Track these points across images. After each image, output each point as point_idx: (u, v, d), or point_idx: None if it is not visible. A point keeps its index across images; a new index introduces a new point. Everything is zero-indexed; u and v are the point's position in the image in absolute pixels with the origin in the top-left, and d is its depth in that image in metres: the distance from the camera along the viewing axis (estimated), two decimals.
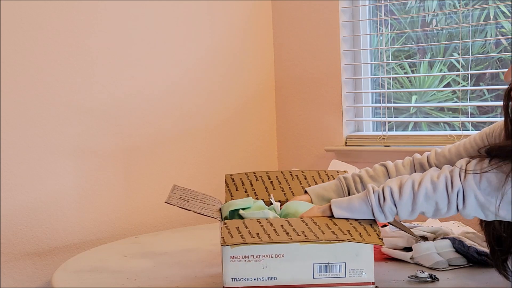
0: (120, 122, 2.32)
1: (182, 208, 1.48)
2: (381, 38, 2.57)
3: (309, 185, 1.71)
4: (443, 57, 2.49)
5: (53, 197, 2.16)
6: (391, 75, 2.55)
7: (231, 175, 1.75)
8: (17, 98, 2.09)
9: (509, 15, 2.29)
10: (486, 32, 2.37)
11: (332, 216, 1.43)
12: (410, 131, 2.55)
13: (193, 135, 2.52)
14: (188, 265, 1.74)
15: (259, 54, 2.72)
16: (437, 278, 1.51)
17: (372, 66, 2.64)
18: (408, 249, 1.69)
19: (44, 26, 2.14)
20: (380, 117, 2.57)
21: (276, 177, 1.74)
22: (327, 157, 2.55)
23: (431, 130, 2.52)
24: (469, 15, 2.33)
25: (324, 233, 1.39)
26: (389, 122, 2.53)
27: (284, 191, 1.71)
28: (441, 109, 2.50)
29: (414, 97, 2.58)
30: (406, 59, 2.58)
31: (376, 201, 1.40)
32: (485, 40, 2.37)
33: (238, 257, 1.40)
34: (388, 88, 2.56)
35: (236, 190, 1.72)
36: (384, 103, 2.53)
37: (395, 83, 2.59)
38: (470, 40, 2.32)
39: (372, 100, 2.63)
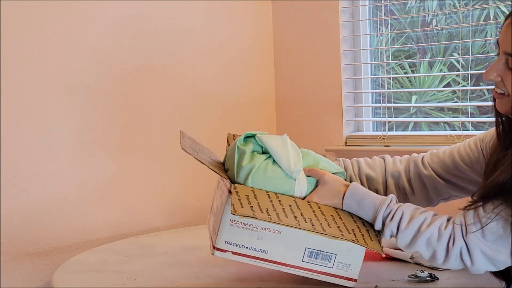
0: (120, 122, 2.32)
1: (195, 158, 1.45)
2: (381, 38, 2.57)
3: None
4: (443, 57, 2.49)
5: (53, 197, 2.16)
6: (391, 75, 2.55)
7: (233, 135, 1.71)
8: (17, 98, 2.09)
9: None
10: (486, 32, 2.37)
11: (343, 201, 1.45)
12: (410, 131, 2.55)
13: (193, 135, 2.51)
14: (188, 265, 1.74)
15: (259, 54, 2.72)
16: (437, 277, 1.51)
17: (372, 66, 2.64)
18: None
19: (44, 26, 2.14)
20: (380, 117, 2.57)
21: None
22: None
23: (431, 130, 2.52)
24: (469, 15, 2.33)
25: (330, 227, 1.39)
26: (389, 122, 2.53)
27: None
28: (441, 109, 2.50)
29: (414, 97, 2.58)
30: (406, 59, 2.58)
31: (383, 215, 1.40)
32: (485, 40, 2.37)
33: (237, 222, 1.39)
34: (388, 88, 2.56)
35: None
36: (384, 103, 2.53)
37: (395, 83, 2.59)
38: (470, 40, 2.32)
39: (372, 100, 2.64)
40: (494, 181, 1.32)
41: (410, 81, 2.60)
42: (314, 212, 1.42)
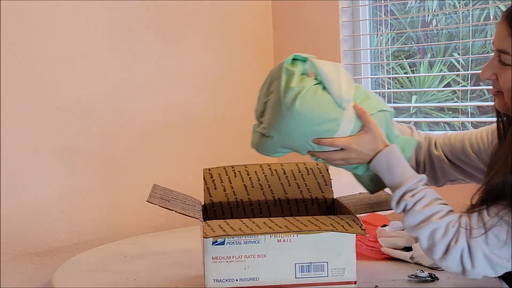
0: (120, 122, 2.32)
1: (163, 207, 1.46)
2: (381, 38, 2.57)
3: (288, 181, 1.71)
4: (443, 57, 2.49)
5: (53, 197, 2.16)
6: (391, 75, 2.55)
7: (209, 169, 1.72)
8: (14, 98, 2.09)
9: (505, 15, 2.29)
10: (486, 32, 2.37)
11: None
12: None
13: (193, 135, 2.52)
14: (188, 265, 1.74)
15: (259, 54, 2.72)
16: (437, 277, 1.51)
17: (372, 66, 2.64)
18: (408, 248, 1.69)
19: (30, 25, 2.14)
20: None
21: (255, 172, 1.72)
22: None
23: (431, 130, 2.52)
24: (469, 15, 2.33)
25: (306, 226, 1.39)
26: None
27: (263, 190, 1.70)
28: (441, 109, 2.50)
29: (414, 97, 2.58)
30: (406, 59, 2.58)
31: (407, 188, 1.35)
32: (485, 40, 2.37)
33: (220, 257, 1.40)
34: (388, 88, 2.56)
35: (215, 188, 1.70)
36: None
37: (395, 83, 2.59)
38: (470, 40, 2.32)
39: None
40: (490, 184, 1.30)
41: (410, 81, 2.60)
42: (289, 221, 1.42)
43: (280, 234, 1.41)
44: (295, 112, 1.34)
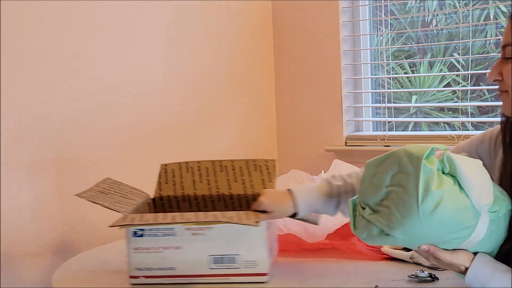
0: (121, 122, 2.32)
1: (91, 201, 1.57)
2: (381, 38, 2.57)
3: (235, 177, 1.76)
4: (443, 57, 2.49)
5: (53, 197, 2.16)
6: (391, 75, 2.55)
7: (166, 165, 1.81)
8: (14, 98, 2.08)
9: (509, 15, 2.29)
10: (486, 32, 2.37)
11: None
12: (410, 131, 2.55)
13: (193, 135, 2.52)
14: None
15: (259, 54, 2.72)
16: (436, 277, 1.51)
17: (372, 66, 2.64)
18: (408, 248, 1.68)
19: (41, 27, 2.14)
20: (380, 117, 2.57)
21: (206, 168, 1.79)
22: (327, 157, 2.55)
23: (431, 130, 2.52)
24: (469, 15, 2.33)
25: (205, 217, 1.48)
26: (389, 122, 2.53)
27: (209, 185, 1.77)
28: (441, 109, 2.50)
29: (414, 97, 2.58)
30: (406, 59, 2.58)
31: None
32: (485, 40, 2.37)
33: (140, 248, 1.52)
34: (388, 88, 2.56)
35: (166, 183, 1.79)
36: (384, 103, 2.54)
37: (395, 83, 2.59)
38: (470, 40, 2.32)
39: (372, 100, 2.64)
40: None
41: (410, 81, 2.60)
42: (197, 216, 1.50)
43: (192, 226, 1.48)
44: (434, 221, 1.19)
